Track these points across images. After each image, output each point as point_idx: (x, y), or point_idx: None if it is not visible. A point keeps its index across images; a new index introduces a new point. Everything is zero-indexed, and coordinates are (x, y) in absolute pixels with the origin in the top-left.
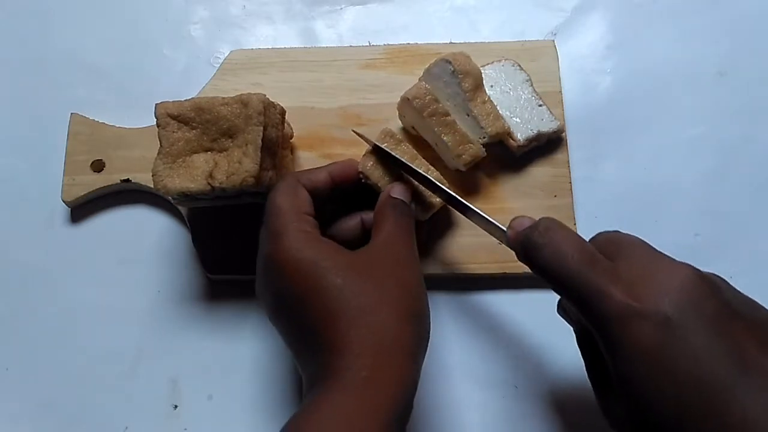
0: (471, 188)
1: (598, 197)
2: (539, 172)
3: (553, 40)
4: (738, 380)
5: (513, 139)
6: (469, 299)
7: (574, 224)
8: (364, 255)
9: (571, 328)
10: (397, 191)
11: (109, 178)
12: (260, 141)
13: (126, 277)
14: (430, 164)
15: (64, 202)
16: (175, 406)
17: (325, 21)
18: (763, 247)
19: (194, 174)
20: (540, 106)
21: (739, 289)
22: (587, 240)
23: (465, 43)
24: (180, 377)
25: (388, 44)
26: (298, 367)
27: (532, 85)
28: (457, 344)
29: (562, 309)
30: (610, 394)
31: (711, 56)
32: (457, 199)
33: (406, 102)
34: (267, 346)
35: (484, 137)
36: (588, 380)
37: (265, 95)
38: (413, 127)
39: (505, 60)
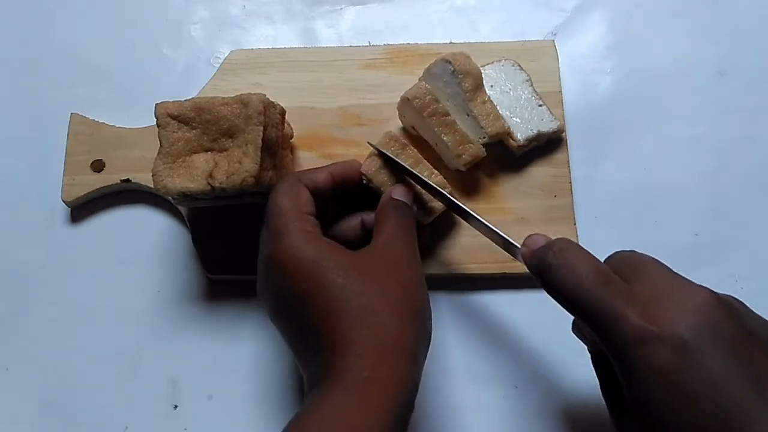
0: (471, 188)
1: (598, 197)
2: (539, 172)
3: (553, 40)
4: (754, 403)
5: (513, 139)
6: (469, 299)
7: (574, 224)
8: (365, 255)
9: (571, 327)
10: (399, 193)
11: (109, 178)
12: (260, 141)
13: (126, 277)
14: (430, 164)
15: (64, 202)
16: (175, 406)
17: (325, 21)
18: (763, 247)
19: (194, 174)
20: (540, 106)
21: (738, 289)
22: (602, 260)
23: (465, 43)
24: (180, 377)
25: (388, 44)
26: (299, 367)
27: (532, 85)
28: (457, 344)
29: (576, 328)
30: (624, 414)
31: (711, 56)
32: (463, 207)
33: (406, 102)
34: (267, 346)
35: (484, 137)
36: (587, 377)
37: (265, 95)
38: (413, 127)
39: (505, 60)
